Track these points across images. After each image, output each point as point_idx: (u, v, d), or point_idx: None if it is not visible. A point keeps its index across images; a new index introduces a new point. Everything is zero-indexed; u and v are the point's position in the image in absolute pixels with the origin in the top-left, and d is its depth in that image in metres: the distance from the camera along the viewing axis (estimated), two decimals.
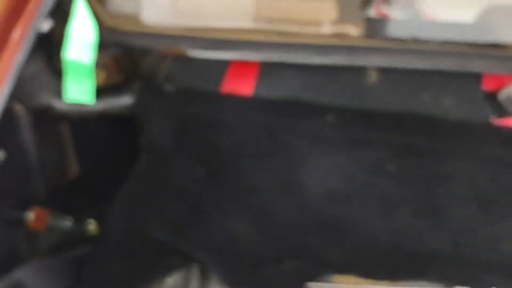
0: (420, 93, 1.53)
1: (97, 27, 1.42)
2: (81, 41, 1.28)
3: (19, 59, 1.15)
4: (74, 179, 1.68)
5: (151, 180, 1.53)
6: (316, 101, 1.51)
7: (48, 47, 1.37)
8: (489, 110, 1.48)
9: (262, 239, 1.47)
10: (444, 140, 1.46)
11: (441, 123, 1.47)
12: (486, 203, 1.44)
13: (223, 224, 1.47)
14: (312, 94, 1.52)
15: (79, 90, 1.37)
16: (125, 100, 1.54)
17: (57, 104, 1.46)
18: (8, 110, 1.39)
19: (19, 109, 1.44)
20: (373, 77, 1.55)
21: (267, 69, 1.56)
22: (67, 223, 1.58)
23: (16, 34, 1.15)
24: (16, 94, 1.38)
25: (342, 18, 1.56)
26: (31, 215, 1.51)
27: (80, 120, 1.53)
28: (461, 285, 1.46)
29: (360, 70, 1.55)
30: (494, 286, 1.42)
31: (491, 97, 1.50)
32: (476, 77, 1.53)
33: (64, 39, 1.29)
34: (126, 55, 1.61)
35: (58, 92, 1.43)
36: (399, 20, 2.08)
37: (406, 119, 1.47)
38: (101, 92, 1.53)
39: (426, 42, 1.51)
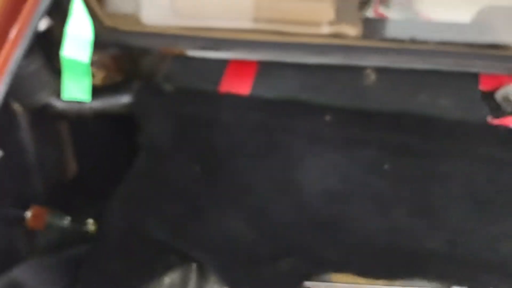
0: (418, 93, 1.52)
1: (95, 26, 1.42)
2: (78, 40, 1.26)
3: (17, 57, 1.14)
4: (73, 178, 1.67)
5: (150, 179, 1.52)
6: (314, 101, 1.49)
7: (47, 46, 1.35)
8: (487, 110, 1.47)
9: (260, 238, 1.46)
10: (441, 140, 1.44)
11: (438, 123, 1.46)
12: (482, 203, 1.43)
13: (221, 223, 1.46)
14: (310, 94, 1.51)
15: (76, 88, 1.36)
16: (124, 100, 1.53)
17: (56, 103, 1.44)
18: (7, 109, 1.38)
19: (18, 108, 1.42)
20: (371, 77, 1.54)
21: (265, 69, 1.55)
22: (65, 222, 1.57)
23: (14, 32, 1.13)
24: (15, 92, 1.38)
25: (341, 19, 1.54)
26: (29, 214, 1.50)
27: (79, 119, 1.52)
28: (458, 285, 1.45)
29: (358, 70, 1.53)
30: (491, 286, 1.41)
31: (489, 97, 1.48)
32: (474, 77, 1.51)
33: (62, 38, 1.27)
34: (125, 54, 1.59)
35: (56, 91, 1.41)
36: (397, 20, 2.07)
37: (403, 119, 1.45)
38: (100, 91, 1.52)
39: (424, 42, 1.49)
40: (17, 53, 1.14)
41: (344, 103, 1.49)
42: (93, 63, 1.53)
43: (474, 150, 1.42)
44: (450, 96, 1.51)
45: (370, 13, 2.29)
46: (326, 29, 1.51)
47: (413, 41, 1.50)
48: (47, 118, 1.51)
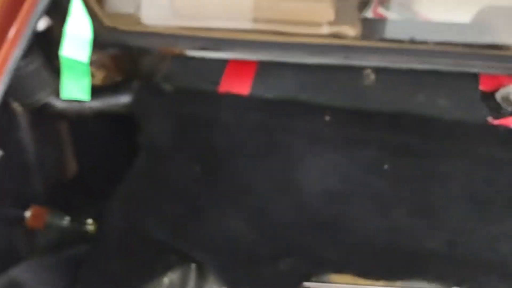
0: (417, 94, 1.51)
1: (95, 26, 1.40)
2: (77, 39, 1.25)
3: (15, 57, 1.12)
4: (73, 178, 1.66)
5: (150, 179, 1.51)
6: (313, 101, 1.48)
7: (47, 45, 1.34)
8: (487, 110, 1.46)
9: (259, 238, 1.44)
10: (441, 140, 1.43)
11: (438, 123, 1.45)
12: (482, 203, 1.42)
13: (221, 223, 1.45)
14: (310, 94, 1.50)
15: (75, 88, 1.34)
16: (123, 100, 1.51)
17: (56, 103, 1.43)
18: (7, 108, 1.37)
19: (18, 107, 1.41)
20: (370, 77, 1.53)
21: (264, 69, 1.54)
22: (65, 222, 1.56)
23: (12, 32, 1.12)
24: (15, 92, 1.37)
25: (340, 19, 1.52)
26: (29, 214, 1.48)
27: (78, 119, 1.50)
28: (458, 285, 1.43)
29: (358, 71, 1.53)
30: (491, 286, 1.40)
31: (489, 97, 1.47)
32: (474, 78, 1.50)
33: (62, 37, 1.26)
34: (125, 54, 1.58)
35: (56, 90, 1.40)
36: (396, 21, 2.06)
37: (403, 119, 1.44)
38: (99, 91, 1.51)
39: (423, 42, 1.48)
40: (15, 53, 1.12)
41: (343, 103, 1.48)
42: (92, 63, 1.52)
43: (474, 150, 1.41)
44: (450, 96, 1.50)
45: (369, 14, 2.28)
46: (325, 30, 1.50)
47: (412, 41, 1.49)
48: (47, 117, 1.50)
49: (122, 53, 1.56)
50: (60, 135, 1.60)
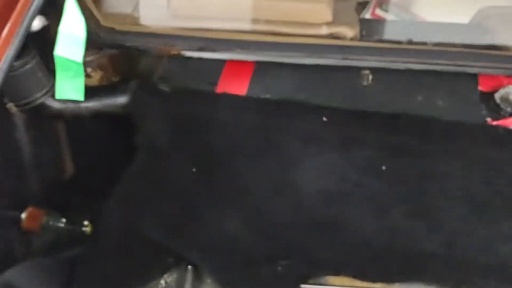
0: (415, 94, 1.48)
1: (92, 27, 1.38)
2: (71, 39, 1.22)
3: (9, 56, 1.09)
4: (70, 179, 1.62)
5: (147, 179, 1.48)
6: (311, 101, 1.46)
7: (43, 45, 1.31)
8: (485, 111, 1.43)
9: (256, 239, 1.42)
10: (438, 141, 1.40)
11: (435, 124, 1.42)
12: (480, 205, 1.39)
13: (217, 224, 1.43)
14: (307, 94, 1.47)
15: (69, 87, 1.31)
16: (120, 100, 1.48)
17: (52, 103, 1.40)
18: (2, 108, 1.34)
19: (13, 107, 1.37)
20: (368, 78, 1.50)
21: (262, 69, 1.51)
22: (61, 223, 1.52)
23: (6, 31, 1.08)
24: (10, 92, 1.34)
25: (338, 20, 1.50)
26: (25, 215, 1.45)
27: (75, 119, 1.47)
28: (457, 287, 1.40)
29: (355, 71, 1.50)
30: None
31: (488, 97, 1.44)
32: (472, 78, 1.47)
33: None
34: (122, 55, 1.55)
35: (52, 91, 1.38)
36: (394, 22, 2.04)
37: (401, 120, 1.42)
38: (96, 91, 1.49)
39: (421, 43, 1.45)
40: (9, 52, 1.09)
41: (341, 103, 1.45)
42: (90, 64, 1.50)
43: (472, 151, 1.38)
44: (448, 97, 1.47)
45: (367, 16, 2.26)
46: (323, 30, 1.48)
47: (410, 42, 1.46)
48: (43, 118, 1.46)
49: (119, 53, 1.53)
50: (57, 135, 1.57)
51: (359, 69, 1.49)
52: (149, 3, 1.56)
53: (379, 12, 2.35)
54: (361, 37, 1.51)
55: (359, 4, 2.34)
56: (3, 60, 1.07)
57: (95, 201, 1.51)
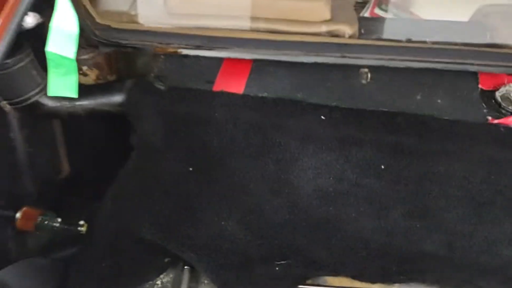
0: (415, 93, 1.44)
1: (88, 24, 1.34)
2: (63, 35, 1.18)
3: (0, 52, 1.05)
4: (65, 178, 1.59)
5: (142, 178, 1.44)
6: (308, 100, 1.42)
7: (38, 43, 1.28)
8: (486, 110, 1.39)
9: (252, 238, 1.38)
10: (437, 139, 1.36)
11: (434, 122, 1.38)
12: (481, 205, 1.34)
13: (213, 223, 1.38)
14: (305, 93, 1.44)
15: (62, 84, 1.28)
16: (116, 99, 1.45)
17: (46, 101, 1.37)
18: None
19: (7, 105, 1.34)
20: (366, 76, 1.46)
21: (260, 68, 1.47)
22: (56, 223, 1.48)
23: None
24: (3, 90, 1.31)
25: (337, 18, 1.46)
26: (19, 215, 1.42)
27: (70, 118, 1.44)
28: None
29: (354, 69, 1.46)
30: None
31: (488, 96, 1.40)
32: (473, 76, 1.43)
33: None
34: (118, 53, 1.51)
35: (46, 89, 1.33)
36: (394, 20, 2.00)
37: (399, 118, 1.38)
38: (92, 90, 1.45)
39: (420, 42, 1.41)
40: (0, 48, 1.05)
41: (339, 102, 1.41)
42: (86, 62, 1.46)
43: (472, 150, 1.34)
44: (448, 95, 1.43)
45: (366, 15, 2.22)
46: (322, 28, 1.45)
47: (409, 41, 1.43)
48: (38, 116, 1.43)
49: (116, 51, 1.49)
50: (52, 134, 1.54)
51: (358, 67, 1.46)
52: (146, 0, 1.52)
53: (378, 11, 2.32)
54: (360, 36, 1.49)
55: (358, 3, 2.32)
56: None
57: (91, 200, 1.49)
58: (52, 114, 1.40)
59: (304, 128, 1.36)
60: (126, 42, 1.41)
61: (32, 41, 1.29)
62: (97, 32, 1.38)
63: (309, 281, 1.48)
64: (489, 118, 1.37)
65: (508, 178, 1.32)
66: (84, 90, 1.41)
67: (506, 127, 1.34)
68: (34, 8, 1.22)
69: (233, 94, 1.41)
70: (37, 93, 1.33)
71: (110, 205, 1.44)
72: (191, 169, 1.39)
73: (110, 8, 1.49)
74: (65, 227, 1.49)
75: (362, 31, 1.50)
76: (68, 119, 1.45)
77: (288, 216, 1.36)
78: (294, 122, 1.36)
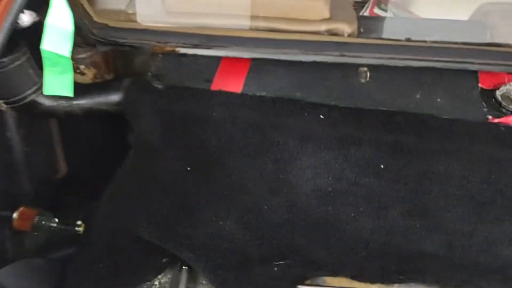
0: (414, 92, 1.43)
1: (85, 23, 1.33)
2: (58, 33, 1.16)
3: None
4: (62, 178, 1.57)
5: (139, 178, 1.42)
6: (307, 99, 1.40)
7: (34, 42, 1.26)
8: (486, 109, 1.37)
9: (251, 238, 1.36)
10: (437, 138, 1.34)
11: (434, 121, 1.36)
12: (481, 204, 1.33)
13: (211, 223, 1.37)
14: (304, 92, 1.42)
15: (58, 83, 1.26)
16: (114, 98, 1.43)
17: (43, 100, 1.35)
18: None
19: (3, 105, 1.32)
20: (365, 75, 1.44)
21: (258, 67, 1.45)
22: (53, 223, 1.46)
23: None
24: (0, 89, 1.28)
25: (336, 17, 1.45)
26: (16, 215, 1.40)
27: (67, 117, 1.41)
28: None
29: (353, 68, 1.44)
30: None
31: (489, 95, 1.38)
32: (473, 75, 1.42)
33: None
34: (116, 52, 1.49)
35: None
36: (394, 19, 1.99)
37: (398, 117, 1.36)
38: (89, 89, 1.44)
39: (420, 41, 1.39)
40: None
41: (338, 101, 1.39)
42: (83, 61, 1.44)
43: (472, 149, 1.32)
44: (448, 94, 1.42)
45: (366, 13, 2.21)
46: (321, 27, 1.43)
47: (409, 40, 1.41)
48: (35, 116, 1.41)
49: (113, 50, 1.47)
50: (50, 134, 1.53)
51: (357, 66, 1.44)
52: (146, 1, 1.50)
53: (377, 11, 2.30)
54: (359, 35, 1.47)
55: (357, 3, 2.30)
56: None
57: (88, 200, 1.47)
58: (49, 113, 1.38)
59: (303, 127, 1.34)
60: (124, 40, 1.40)
61: (29, 40, 1.27)
62: (94, 31, 1.36)
63: (308, 281, 1.46)
64: (489, 117, 1.35)
65: (509, 177, 1.30)
66: (81, 89, 1.39)
67: (507, 126, 1.32)
68: (30, 6, 1.20)
69: (231, 93, 1.40)
70: (33, 92, 1.32)
71: (107, 204, 1.42)
72: (189, 168, 1.37)
73: (107, 7, 1.47)
74: (62, 227, 1.47)
75: (361, 30, 1.49)
76: (65, 118, 1.43)
77: (287, 215, 1.34)
78: (293, 121, 1.34)
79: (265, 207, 1.34)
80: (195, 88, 1.41)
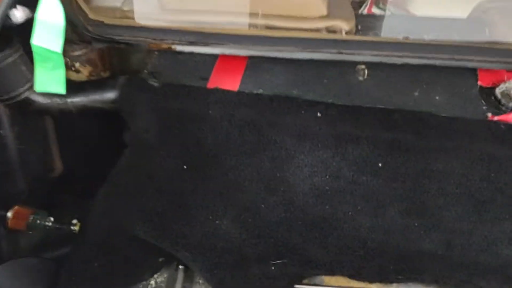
0: (413, 90, 1.40)
1: (80, 20, 1.30)
2: (49, 28, 1.13)
3: None
4: (58, 176, 1.54)
5: (135, 176, 1.39)
6: (304, 97, 1.37)
7: (27, 38, 1.22)
8: (486, 107, 1.34)
9: (247, 237, 1.34)
10: (435, 136, 1.32)
11: (432, 119, 1.33)
12: (480, 203, 1.30)
13: (208, 221, 1.34)
14: (301, 90, 1.39)
15: (49, 80, 1.22)
16: (109, 95, 1.40)
17: (36, 98, 1.32)
18: None
19: None
20: (363, 73, 1.41)
21: (255, 64, 1.43)
22: (48, 222, 1.43)
23: None
24: None
25: (334, 14, 1.41)
26: (10, 214, 1.37)
27: (62, 115, 1.38)
28: None
29: (350, 66, 1.42)
30: None
31: (488, 93, 1.35)
32: (472, 73, 1.39)
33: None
34: (111, 49, 1.46)
35: None
36: (392, 18, 1.96)
37: (396, 115, 1.33)
38: (83, 86, 1.41)
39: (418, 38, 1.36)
40: None
41: (335, 99, 1.37)
42: (78, 59, 1.41)
43: (471, 147, 1.29)
44: (446, 92, 1.39)
45: (364, 12, 2.18)
46: (319, 24, 1.40)
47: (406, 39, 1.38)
48: (29, 113, 1.38)
49: (109, 48, 1.44)
50: (45, 132, 1.50)
51: (355, 64, 1.41)
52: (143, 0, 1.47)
53: (375, 10, 2.27)
54: (357, 32, 1.44)
55: (355, 2, 2.27)
56: None
57: (84, 199, 1.44)
58: (43, 111, 1.35)
59: (300, 125, 1.31)
60: (120, 38, 1.37)
61: (22, 36, 1.24)
62: (90, 28, 1.33)
63: (305, 281, 1.43)
64: (489, 115, 1.33)
65: (509, 175, 1.27)
66: (76, 86, 1.36)
67: (507, 124, 1.29)
68: (23, 1, 1.17)
69: (228, 91, 1.37)
70: (27, 89, 1.29)
71: (102, 203, 1.39)
72: (185, 166, 1.34)
73: (103, 4, 1.44)
74: (58, 226, 1.44)
75: (359, 28, 1.46)
76: (60, 116, 1.40)
77: (284, 214, 1.31)
78: (290, 119, 1.31)
79: (262, 205, 1.32)
80: (191, 86, 1.38)
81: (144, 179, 1.36)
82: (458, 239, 1.30)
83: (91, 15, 1.34)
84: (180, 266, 1.40)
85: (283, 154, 1.29)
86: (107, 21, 1.35)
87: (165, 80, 1.41)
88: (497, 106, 1.32)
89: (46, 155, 1.50)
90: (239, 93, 1.37)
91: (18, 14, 1.16)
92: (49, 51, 1.14)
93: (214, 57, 1.43)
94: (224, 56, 1.42)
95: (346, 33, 1.41)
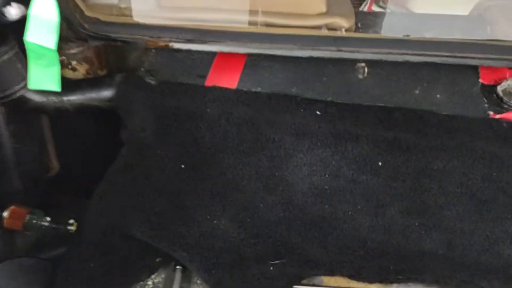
0: (413, 88, 1.38)
1: (77, 18, 1.27)
2: (43, 23, 1.10)
3: None
4: (54, 175, 1.52)
5: (132, 175, 1.37)
6: (303, 95, 1.36)
7: (23, 35, 1.20)
8: (487, 105, 1.31)
9: (246, 237, 1.31)
10: (436, 135, 1.30)
11: (433, 117, 1.31)
12: (481, 202, 1.28)
13: (206, 221, 1.31)
14: (300, 88, 1.37)
15: (44, 77, 1.20)
16: (105, 93, 1.38)
17: (32, 96, 1.30)
18: None
19: None
20: (363, 70, 1.39)
21: (253, 62, 1.41)
22: (45, 222, 1.41)
23: None
24: None
25: (333, 11, 1.39)
26: (6, 214, 1.35)
27: (58, 113, 1.36)
28: None
29: (350, 64, 1.39)
30: None
31: (490, 90, 1.32)
32: (473, 70, 1.36)
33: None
34: (108, 47, 1.43)
35: None
36: (392, 15, 1.94)
37: (396, 113, 1.31)
38: (80, 84, 1.38)
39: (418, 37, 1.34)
40: None
41: (335, 97, 1.35)
42: (75, 56, 1.39)
43: (473, 146, 1.27)
44: (447, 90, 1.37)
45: (364, 9, 2.16)
46: (318, 21, 1.39)
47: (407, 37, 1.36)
48: (25, 112, 1.35)
49: (106, 46, 1.42)
50: (41, 130, 1.48)
51: (354, 61, 1.39)
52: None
53: (375, 8, 2.25)
54: (357, 30, 1.42)
55: (355, 1, 2.26)
56: None
57: (81, 199, 1.41)
58: (39, 109, 1.33)
59: (299, 124, 1.29)
60: (116, 35, 1.34)
61: (18, 34, 1.22)
62: (86, 25, 1.31)
63: (304, 281, 1.41)
64: (490, 113, 1.31)
65: (511, 174, 1.25)
66: (72, 84, 1.34)
67: (509, 122, 1.27)
68: None
69: (226, 89, 1.34)
70: (22, 88, 1.27)
71: (99, 202, 1.36)
72: (182, 165, 1.32)
73: (99, 1, 1.41)
74: (54, 226, 1.42)
75: (359, 25, 1.44)
76: (56, 115, 1.37)
77: (283, 213, 1.29)
78: (288, 118, 1.29)
79: (261, 205, 1.29)
80: (189, 84, 1.36)
81: (141, 178, 1.34)
82: (459, 239, 1.28)
83: (87, 12, 1.31)
84: (177, 266, 1.38)
85: (282, 153, 1.27)
86: (103, 18, 1.33)
87: (162, 78, 1.39)
88: (499, 104, 1.30)
89: (42, 154, 1.48)
90: (237, 91, 1.35)
91: (13, 11, 1.14)
92: (43, 47, 1.12)
93: (212, 55, 1.41)
94: (222, 54, 1.40)
95: (346, 30, 1.39)
